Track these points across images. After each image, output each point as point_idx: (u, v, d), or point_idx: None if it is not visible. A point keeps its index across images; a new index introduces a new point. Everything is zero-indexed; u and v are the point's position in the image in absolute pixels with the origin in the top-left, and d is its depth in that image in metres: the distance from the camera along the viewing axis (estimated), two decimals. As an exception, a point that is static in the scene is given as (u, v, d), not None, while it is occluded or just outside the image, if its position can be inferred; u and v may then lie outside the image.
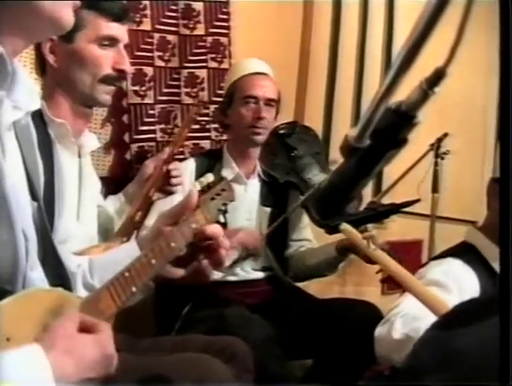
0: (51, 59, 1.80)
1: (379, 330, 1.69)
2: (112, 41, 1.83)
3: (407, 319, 1.62)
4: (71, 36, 1.76)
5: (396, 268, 1.70)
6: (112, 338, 1.01)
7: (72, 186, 1.78)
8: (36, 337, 0.93)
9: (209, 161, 2.58)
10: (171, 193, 2.26)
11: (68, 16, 1.06)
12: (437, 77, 0.76)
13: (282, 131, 2.71)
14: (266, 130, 2.56)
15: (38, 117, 1.73)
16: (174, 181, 2.25)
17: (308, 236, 2.75)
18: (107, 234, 2.07)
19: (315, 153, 2.73)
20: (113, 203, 2.22)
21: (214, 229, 1.31)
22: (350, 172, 0.88)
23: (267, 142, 2.61)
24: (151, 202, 2.23)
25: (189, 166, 2.52)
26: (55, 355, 0.90)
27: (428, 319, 1.51)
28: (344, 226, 1.76)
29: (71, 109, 1.84)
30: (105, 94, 1.86)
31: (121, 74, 1.87)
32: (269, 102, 2.54)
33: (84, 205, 1.80)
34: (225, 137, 2.78)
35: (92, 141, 1.92)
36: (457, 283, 1.72)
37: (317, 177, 2.59)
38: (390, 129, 0.81)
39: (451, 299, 1.59)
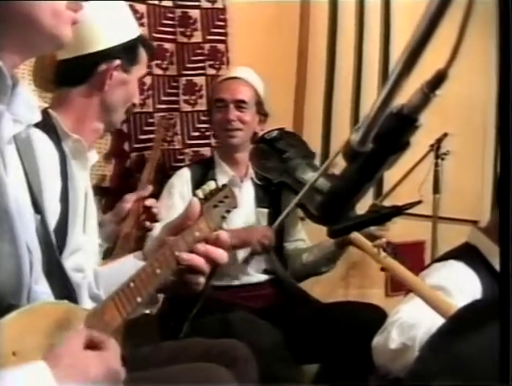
0: (107, 82, 1.84)
1: (376, 340, 1.69)
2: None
3: (404, 328, 1.62)
4: (130, 68, 1.89)
5: (407, 275, 1.70)
6: (118, 355, 1.00)
7: (81, 199, 1.78)
8: (43, 354, 0.93)
9: (203, 168, 2.61)
10: (149, 230, 2.20)
11: (66, 33, 1.06)
12: (438, 80, 0.76)
13: (270, 137, 2.76)
14: (240, 132, 2.57)
15: (52, 130, 1.74)
16: (153, 218, 2.18)
17: (302, 236, 2.78)
18: None
19: (304, 156, 2.78)
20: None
21: (224, 237, 1.29)
22: (353, 176, 0.87)
23: (257, 148, 2.65)
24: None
25: (184, 175, 2.53)
26: (61, 373, 0.90)
27: (426, 327, 1.51)
28: (355, 235, 1.76)
29: (92, 127, 1.88)
30: (121, 121, 2.01)
31: (133, 106, 2.03)
32: (238, 103, 2.56)
33: (89, 218, 1.81)
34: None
35: (94, 154, 1.94)
36: (459, 286, 1.72)
37: (309, 176, 2.62)
38: (393, 132, 0.80)
39: (453, 303, 1.59)
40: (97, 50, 1.81)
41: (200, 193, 1.35)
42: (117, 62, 1.84)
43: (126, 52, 1.86)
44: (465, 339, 0.82)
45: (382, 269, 2.54)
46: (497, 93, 0.69)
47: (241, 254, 2.52)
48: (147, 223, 2.18)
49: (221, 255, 1.26)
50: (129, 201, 2.19)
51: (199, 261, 1.23)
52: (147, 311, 1.38)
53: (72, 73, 1.85)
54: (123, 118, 1.99)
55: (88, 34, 1.78)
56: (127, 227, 2.08)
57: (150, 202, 2.18)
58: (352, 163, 0.84)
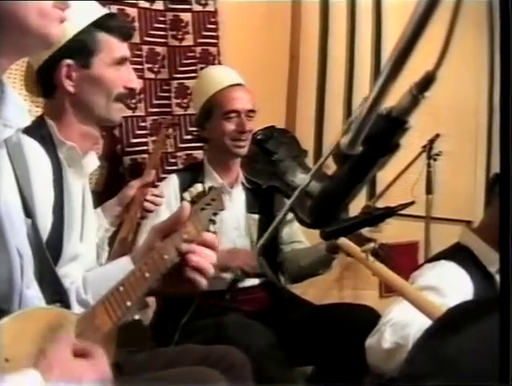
0: (68, 84, 1.77)
1: (369, 341, 1.70)
2: (123, 60, 1.85)
3: (397, 328, 1.62)
4: (88, 61, 1.77)
5: (394, 279, 1.70)
6: (107, 362, 1.00)
7: (77, 208, 1.77)
8: (35, 361, 0.92)
9: (191, 175, 2.58)
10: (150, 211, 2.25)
11: (56, 31, 1.05)
12: (427, 82, 0.76)
13: (260, 137, 2.72)
14: (248, 142, 2.57)
15: (47, 138, 1.72)
16: (153, 205, 2.24)
17: (299, 237, 2.75)
18: None
19: (295, 156, 2.74)
20: None
21: (211, 238, 1.30)
22: (344, 179, 0.88)
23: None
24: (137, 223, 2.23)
25: (172, 182, 2.52)
26: (53, 381, 0.90)
27: (418, 325, 1.52)
28: (342, 241, 1.77)
29: (81, 131, 1.82)
30: (118, 112, 1.87)
31: (131, 91, 1.89)
32: (249, 113, 2.55)
33: (86, 226, 1.79)
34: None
35: (93, 160, 1.89)
36: (451, 286, 1.72)
37: (299, 179, 2.59)
38: (382, 135, 0.81)
39: (445, 302, 1.59)
40: (47, 57, 1.74)
41: (187, 196, 1.35)
42: (66, 62, 1.75)
43: (76, 48, 1.75)
44: (454, 340, 0.82)
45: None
46: (500, 93, 0.69)
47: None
48: (150, 207, 2.21)
49: (211, 256, 1.26)
50: (133, 187, 2.22)
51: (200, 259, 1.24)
52: (137, 316, 1.37)
53: (42, 84, 1.83)
54: (118, 108, 1.86)
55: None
56: (123, 232, 2.08)
57: (150, 197, 2.21)
58: (342, 166, 0.84)
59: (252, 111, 2.56)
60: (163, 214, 2.27)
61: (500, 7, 0.70)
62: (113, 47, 1.81)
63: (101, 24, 1.79)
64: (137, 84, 1.90)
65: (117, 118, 1.90)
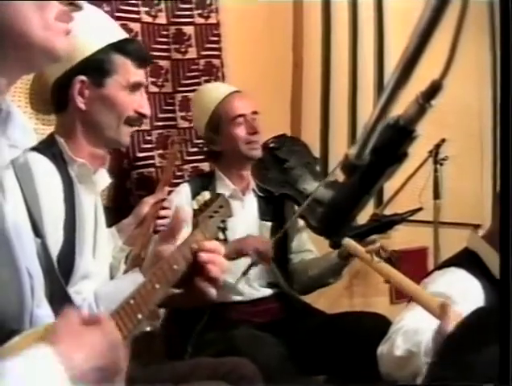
0: (79, 101, 1.77)
1: (381, 349, 1.69)
2: (138, 86, 1.85)
3: (408, 335, 1.61)
4: (102, 81, 1.77)
5: (401, 279, 1.70)
6: (115, 327, 1.01)
7: (89, 224, 1.77)
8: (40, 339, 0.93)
9: (203, 182, 2.59)
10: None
11: (61, 45, 1.03)
12: (433, 91, 0.76)
13: (272, 145, 2.75)
14: (260, 142, 2.61)
15: (58, 155, 1.72)
16: (165, 220, 2.21)
17: (309, 246, 2.75)
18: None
19: (306, 163, 2.77)
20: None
21: (213, 245, 1.29)
22: (353, 189, 0.87)
23: (258, 159, 2.63)
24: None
25: (183, 190, 2.53)
26: (64, 350, 0.90)
27: (430, 332, 1.50)
28: (347, 241, 1.76)
29: (90, 149, 1.81)
30: (126, 135, 1.87)
31: (142, 116, 1.89)
32: (253, 115, 2.59)
33: (99, 243, 1.79)
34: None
35: (104, 177, 1.89)
36: (462, 293, 1.71)
37: (311, 186, 2.61)
38: (390, 144, 0.80)
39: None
40: (62, 72, 1.75)
41: (194, 204, 1.35)
42: (80, 78, 1.75)
43: (91, 66, 1.76)
44: (475, 347, 0.82)
45: (387, 282, 2.55)
46: (500, 94, 0.69)
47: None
48: (163, 223, 2.20)
49: (223, 263, 1.26)
50: (147, 204, 2.22)
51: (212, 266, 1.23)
52: (148, 328, 1.37)
53: (55, 98, 1.82)
54: (127, 132, 1.86)
55: None
56: (136, 249, 2.07)
57: (164, 212, 2.20)
58: (351, 176, 0.84)
59: (255, 112, 2.60)
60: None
61: (500, 7, 0.69)
62: (129, 70, 1.82)
63: (120, 47, 1.80)
64: (148, 111, 1.90)
65: (126, 141, 1.89)
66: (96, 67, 1.76)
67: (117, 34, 1.84)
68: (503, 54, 0.68)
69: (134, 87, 1.84)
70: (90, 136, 1.81)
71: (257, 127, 2.57)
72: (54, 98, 1.82)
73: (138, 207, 2.24)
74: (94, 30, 1.78)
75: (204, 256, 1.25)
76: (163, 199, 2.24)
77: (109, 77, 1.78)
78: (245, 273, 2.43)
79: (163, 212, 2.22)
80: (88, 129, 1.80)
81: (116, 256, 2.06)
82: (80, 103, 1.77)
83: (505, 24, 0.69)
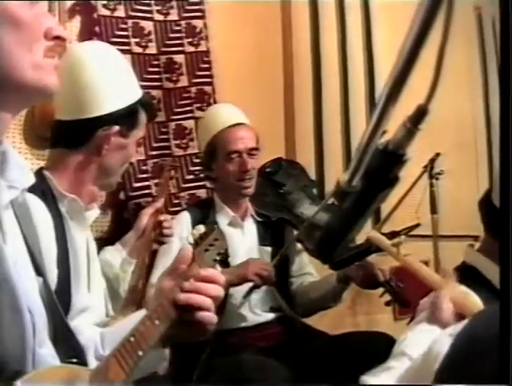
0: (104, 148, 1.82)
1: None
2: (141, 139, 1.98)
3: (411, 353, 1.60)
4: (128, 132, 1.85)
5: (428, 273, 1.69)
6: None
7: (83, 259, 1.78)
8: None
9: (202, 210, 2.59)
10: (162, 243, 2.28)
11: (52, 81, 1.06)
12: (420, 115, 0.77)
13: (268, 169, 2.74)
14: (253, 179, 2.57)
15: (48, 191, 1.73)
16: (165, 232, 2.26)
17: (309, 269, 2.75)
18: (113, 293, 2.05)
19: (303, 187, 2.75)
20: (113, 256, 2.20)
21: (210, 273, 1.28)
22: (347, 215, 0.88)
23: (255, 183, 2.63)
24: (153, 251, 2.29)
25: (184, 218, 2.52)
26: None
27: (435, 349, 1.50)
28: (373, 233, 1.76)
29: (89, 189, 1.85)
30: (119, 178, 1.98)
31: (130, 164, 2.03)
32: (251, 152, 2.55)
33: (93, 277, 1.80)
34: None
35: (94, 211, 1.91)
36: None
37: (308, 210, 2.59)
38: (380, 169, 0.81)
39: (459, 327, 1.58)
40: (97, 115, 1.79)
41: (190, 238, 1.36)
42: (116, 128, 1.81)
43: (126, 118, 1.83)
44: (482, 358, 0.82)
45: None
46: (500, 99, 0.70)
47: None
48: (162, 238, 2.26)
49: (213, 288, 1.24)
50: (145, 215, 2.26)
51: (197, 298, 1.21)
52: (155, 370, 1.36)
53: (70, 136, 1.83)
54: (119, 179, 1.98)
55: (89, 98, 1.78)
56: (133, 280, 2.08)
57: (163, 217, 2.26)
58: (343, 202, 0.85)
59: (255, 149, 2.57)
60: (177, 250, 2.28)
61: (500, 7, 0.70)
62: (144, 125, 1.92)
63: (143, 103, 1.89)
64: (134, 159, 2.07)
65: (114, 187, 2.03)
66: (130, 118, 1.84)
67: (139, 88, 1.92)
68: (503, 54, 0.69)
69: (140, 140, 1.97)
70: (96, 177, 1.85)
71: (248, 165, 2.52)
72: (68, 134, 1.84)
73: (138, 219, 2.28)
74: (127, 82, 1.87)
75: (185, 295, 1.24)
76: (162, 208, 2.29)
77: (134, 130, 1.87)
78: (246, 296, 2.43)
79: (161, 217, 2.26)
80: (96, 172, 1.85)
81: (124, 269, 2.14)
82: (105, 150, 1.82)
83: (505, 24, 0.70)
